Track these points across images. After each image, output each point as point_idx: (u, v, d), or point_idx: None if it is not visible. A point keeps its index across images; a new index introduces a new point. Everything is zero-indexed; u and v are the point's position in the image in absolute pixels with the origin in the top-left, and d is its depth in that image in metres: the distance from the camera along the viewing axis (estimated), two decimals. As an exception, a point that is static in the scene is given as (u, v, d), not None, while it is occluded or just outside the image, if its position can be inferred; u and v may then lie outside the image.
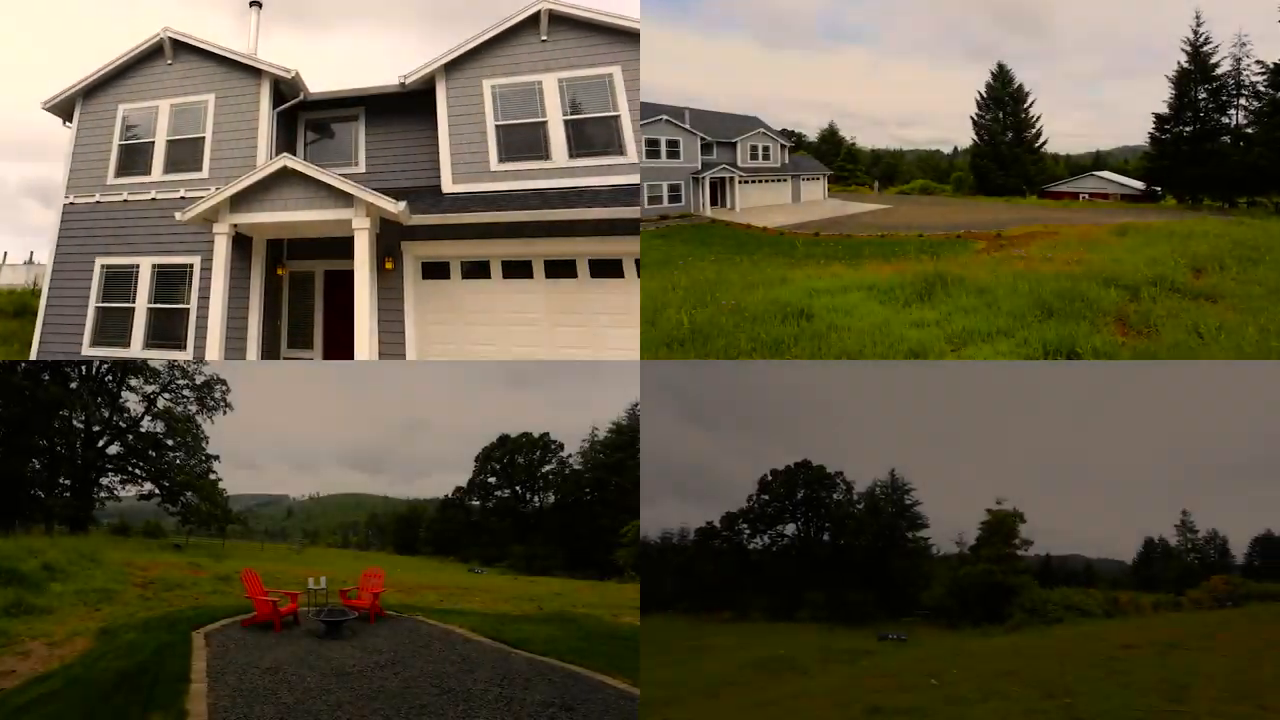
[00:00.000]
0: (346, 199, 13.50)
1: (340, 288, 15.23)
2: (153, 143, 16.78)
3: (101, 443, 28.94)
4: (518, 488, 46.21)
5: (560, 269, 13.91)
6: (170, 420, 29.78)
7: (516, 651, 10.04)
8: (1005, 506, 30.13)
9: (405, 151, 16.40)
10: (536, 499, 45.82)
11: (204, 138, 16.38)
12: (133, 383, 28.84)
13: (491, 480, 46.80)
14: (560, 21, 14.92)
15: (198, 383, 29.86)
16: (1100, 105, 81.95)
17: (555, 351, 13.73)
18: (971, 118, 50.30)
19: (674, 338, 12.81)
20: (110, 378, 28.32)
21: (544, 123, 14.74)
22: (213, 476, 30.91)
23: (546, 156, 14.62)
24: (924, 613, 29.19)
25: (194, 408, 30.39)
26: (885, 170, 60.83)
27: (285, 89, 16.40)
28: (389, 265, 14.27)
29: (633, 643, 11.19)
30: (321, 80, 17.29)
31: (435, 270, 14.58)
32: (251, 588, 12.00)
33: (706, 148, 34.94)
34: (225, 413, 30.84)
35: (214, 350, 14.21)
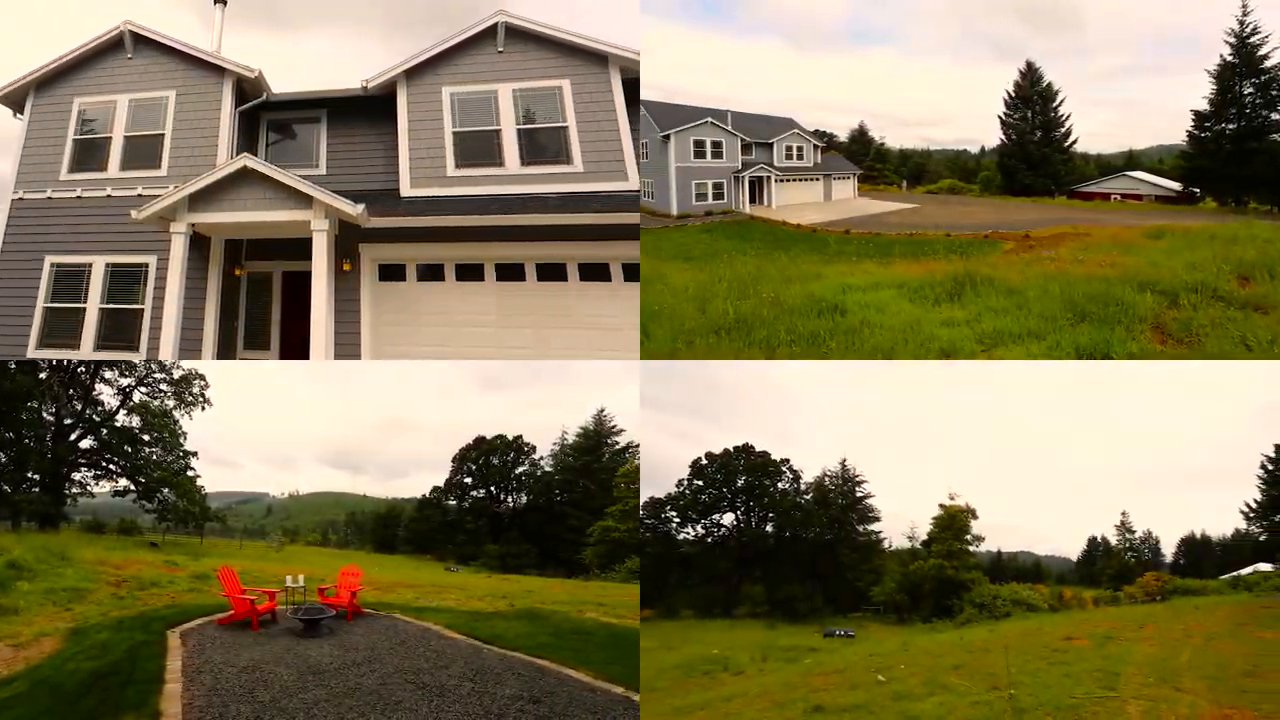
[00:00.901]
0: (306, 200, 13.29)
1: (298, 289, 14.95)
2: (110, 138, 16.11)
3: (73, 436, 27.50)
4: (492, 488, 46.00)
5: (510, 272, 14.01)
6: (146, 415, 28.04)
7: (489, 647, 10.00)
8: (958, 502, 29.57)
9: (365, 155, 16.19)
10: (510, 499, 45.64)
11: (163, 135, 15.82)
12: (107, 375, 27.32)
13: (468, 480, 46.55)
14: (515, 35, 15.20)
15: (175, 377, 28.38)
16: (1132, 103, 77.57)
17: (504, 352, 13.71)
18: (999, 117, 47.03)
19: (720, 326, 12.88)
20: (83, 369, 26.85)
21: (498, 131, 14.88)
22: (191, 473, 29.08)
23: (500, 163, 14.75)
24: (874, 608, 28.54)
25: (171, 402, 28.61)
26: (913, 170, 58.54)
27: (248, 88, 16.02)
28: (346, 267, 14.09)
29: (596, 638, 11.22)
30: (285, 81, 17.12)
31: (391, 272, 14.46)
32: (229, 586, 11.74)
33: (746, 148, 35.28)
34: (204, 409, 29.37)
35: (167, 351, 13.81)
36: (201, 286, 14.80)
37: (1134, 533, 48.23)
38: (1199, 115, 37.64)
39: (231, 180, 13.57)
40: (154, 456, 28.56)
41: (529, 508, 43.86)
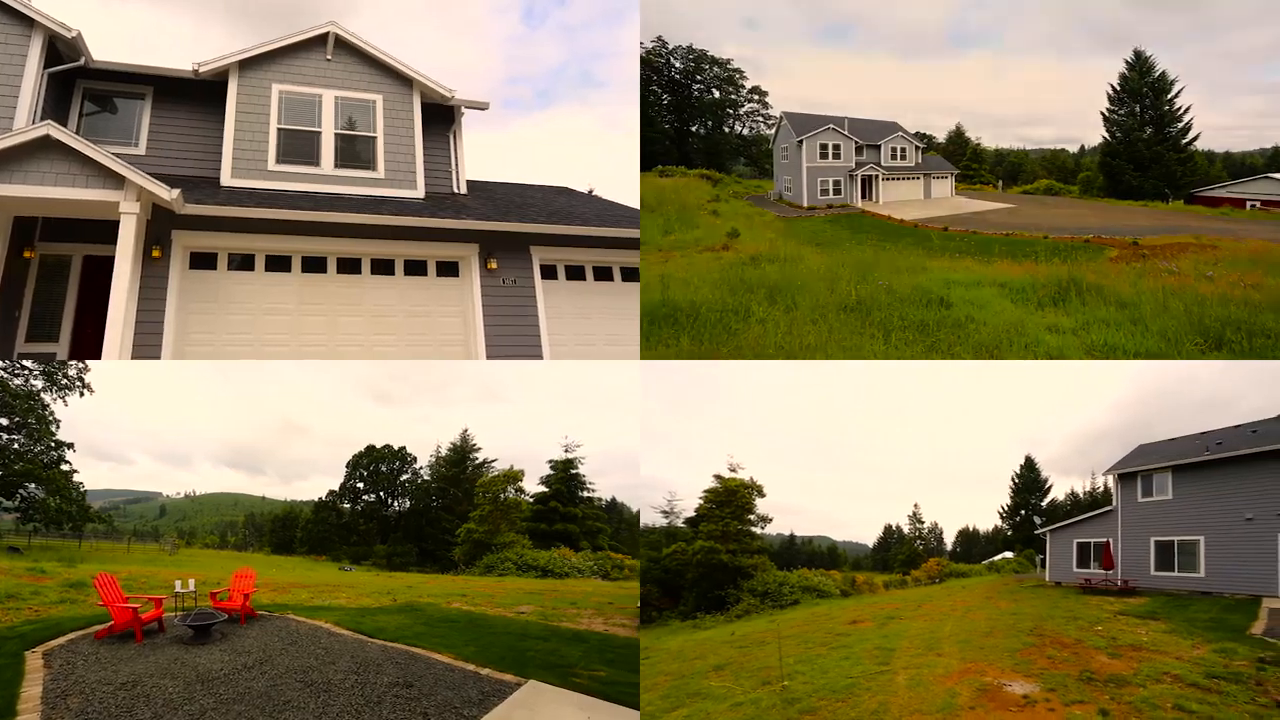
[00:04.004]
0: (117, 180, 11.32)
1: (102, 275, 12.79)
2: None
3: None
4: (381, 493, 44.78)
5: (312, 265, 13.71)
6: (4, 395, 21.69)
7: (373, 641, 9.72)
8: (740, 475, 21.75)
9: (188, 139, 14.74)
10: (396, 503, 44.52)
11: (-55, 87, 12.23)
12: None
13: (360, 485, 45.01)
14: (343, 47, 15.37)
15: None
16: (1275, 89, 59.11)
17: (301, 339, 12.96)
18: (1102, 113, 38.19)
19: (845, 304, 12.49)
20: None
21: (319, 133, 14.84)
22: (65, 467, 23.06)
23: (316, 163, 14.66)
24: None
25: (39, 383, 22.06)
26: (1009, 170, 51.52)
27: (63, 49, 13.21)
28: (156, 254, 12.31)
29: (459, 624, 11.30)
30: (110, 50, 15.00)
31: (203, 261, 13.04)
32: (107, 594, 9.73)
33: (859, 150, 35.90)
34: (83, 394, 22.98)
35: (-81, 345, 11.17)
36: (-22, 269, 11.68)
37: (923, 523, 52.80)
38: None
39: (29, 149, 10.86)
40: (15, 445, 22.20)
41: (411, 511, 43.09)
